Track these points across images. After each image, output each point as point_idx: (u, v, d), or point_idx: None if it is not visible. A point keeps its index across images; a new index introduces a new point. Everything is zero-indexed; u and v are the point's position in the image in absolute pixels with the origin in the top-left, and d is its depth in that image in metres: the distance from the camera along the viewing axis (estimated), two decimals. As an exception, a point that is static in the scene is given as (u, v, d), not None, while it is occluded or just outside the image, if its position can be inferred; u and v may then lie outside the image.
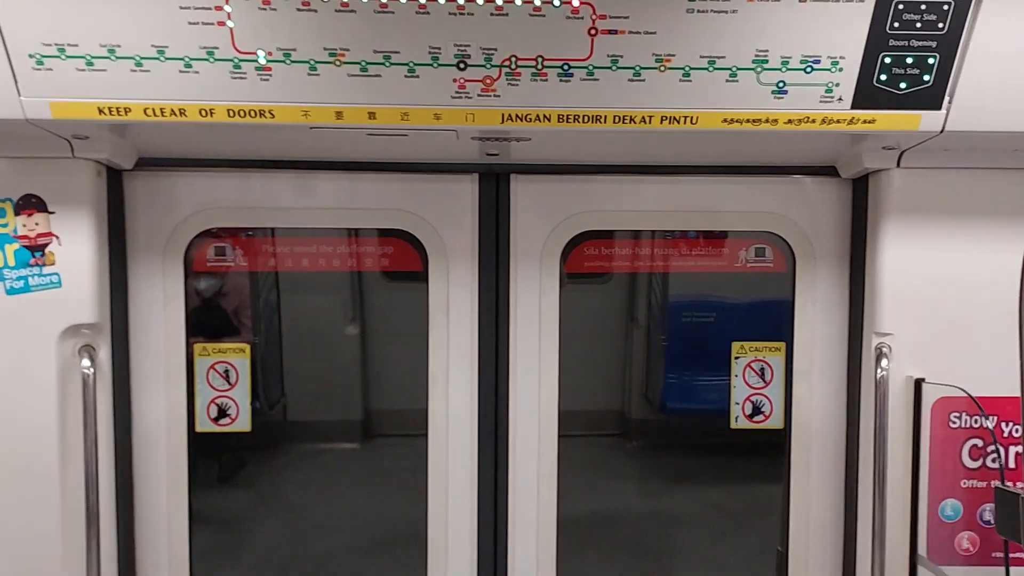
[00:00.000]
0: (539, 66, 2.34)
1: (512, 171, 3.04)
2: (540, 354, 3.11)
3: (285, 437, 3.65)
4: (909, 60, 2.36)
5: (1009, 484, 2.68)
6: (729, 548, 3.55)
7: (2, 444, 2.69)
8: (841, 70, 2.38)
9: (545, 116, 2.41)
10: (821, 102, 2.42)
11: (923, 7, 2.29)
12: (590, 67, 2.35)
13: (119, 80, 2.29)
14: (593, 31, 2.30)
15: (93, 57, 2.26)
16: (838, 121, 2.44)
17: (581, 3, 2.27)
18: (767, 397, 3.22)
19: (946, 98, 2.41)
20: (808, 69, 2.37)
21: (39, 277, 2.67)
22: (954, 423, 2.84)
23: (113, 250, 2.84)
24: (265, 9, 2.24)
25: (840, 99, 2.41)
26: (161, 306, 2.98)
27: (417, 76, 2.34)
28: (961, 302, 2.82)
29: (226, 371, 3.10)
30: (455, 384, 3.10)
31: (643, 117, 2.42)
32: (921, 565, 2.86)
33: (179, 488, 3.04)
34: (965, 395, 2.80)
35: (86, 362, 2.69)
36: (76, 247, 2.69)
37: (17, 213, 2.65)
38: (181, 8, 2.23)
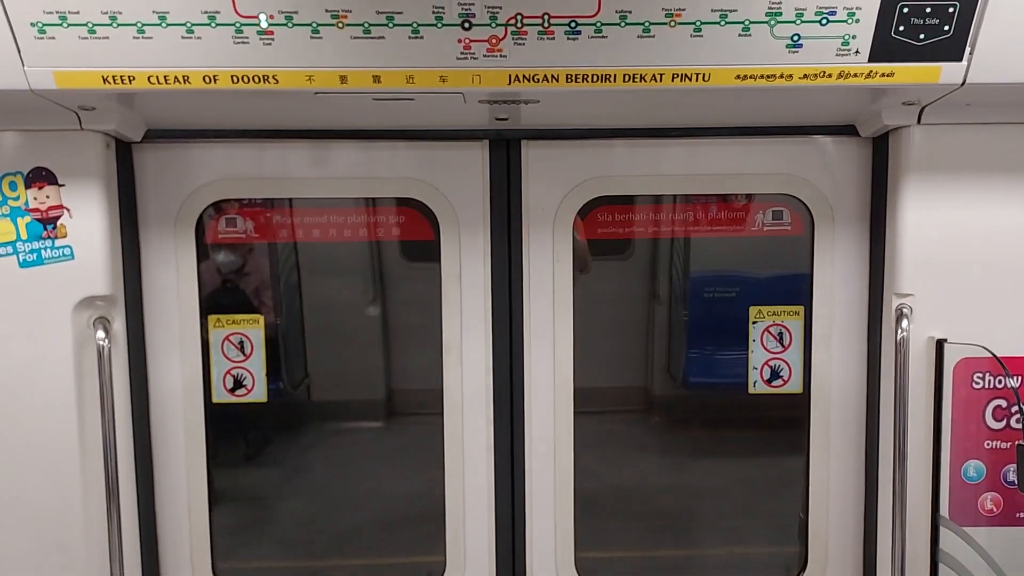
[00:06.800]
0: (546, 24, 2.29)
1: (523, 136, 3.00)
2: (554, 321, 3.08)
3: (308, 417, 3.66)
4: (928, 10, 2.28)
5: (1032, 443, 2.64)
6: (751, 518, 3.52)
7: (20, 416, 2.72)
8: (858, 21, 2.30)
9: (553, 76, 2.36)
10: (837, 55, 2.34)
11: None
12: (598, 24, 2.29)
13: (122, 48, 2.27)
14: None
15: (95, 24, 2.24)
16: (855, 75, 2.37)
17: None
18: (786, 362, 3.18)
19: (967, 49, 2.33)
20: (823, 21, 2.30)
21: (52, 250, 2.68)
22: (977, 384, 2.79)
23: (125, 222, 2.85)
24: None
25: (857, 52, 2.34)
26: (174, 278, 2.99)
27: (421, 37, 2.29)
28: (983, 261, 2.76)
29: (240, 342, 3.11)
30: (469, 353, 3.09)
31: (653, 75, 2.36)
32: (943, 526, 2.83)
33: (198, 459, 3.06)
34: (988, 355, 2.74)
35: (101, 334, 2.70)
36: (88, 219, 2.69)
37: (28, 186, 2.66)
38: None
